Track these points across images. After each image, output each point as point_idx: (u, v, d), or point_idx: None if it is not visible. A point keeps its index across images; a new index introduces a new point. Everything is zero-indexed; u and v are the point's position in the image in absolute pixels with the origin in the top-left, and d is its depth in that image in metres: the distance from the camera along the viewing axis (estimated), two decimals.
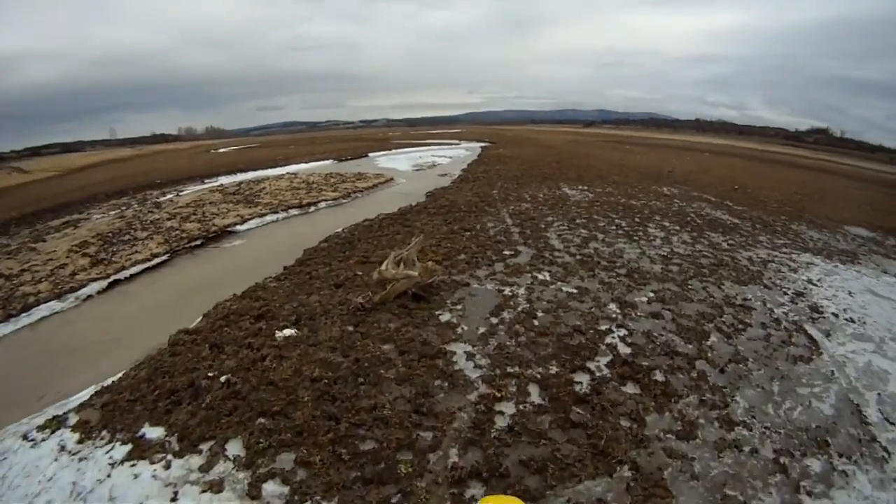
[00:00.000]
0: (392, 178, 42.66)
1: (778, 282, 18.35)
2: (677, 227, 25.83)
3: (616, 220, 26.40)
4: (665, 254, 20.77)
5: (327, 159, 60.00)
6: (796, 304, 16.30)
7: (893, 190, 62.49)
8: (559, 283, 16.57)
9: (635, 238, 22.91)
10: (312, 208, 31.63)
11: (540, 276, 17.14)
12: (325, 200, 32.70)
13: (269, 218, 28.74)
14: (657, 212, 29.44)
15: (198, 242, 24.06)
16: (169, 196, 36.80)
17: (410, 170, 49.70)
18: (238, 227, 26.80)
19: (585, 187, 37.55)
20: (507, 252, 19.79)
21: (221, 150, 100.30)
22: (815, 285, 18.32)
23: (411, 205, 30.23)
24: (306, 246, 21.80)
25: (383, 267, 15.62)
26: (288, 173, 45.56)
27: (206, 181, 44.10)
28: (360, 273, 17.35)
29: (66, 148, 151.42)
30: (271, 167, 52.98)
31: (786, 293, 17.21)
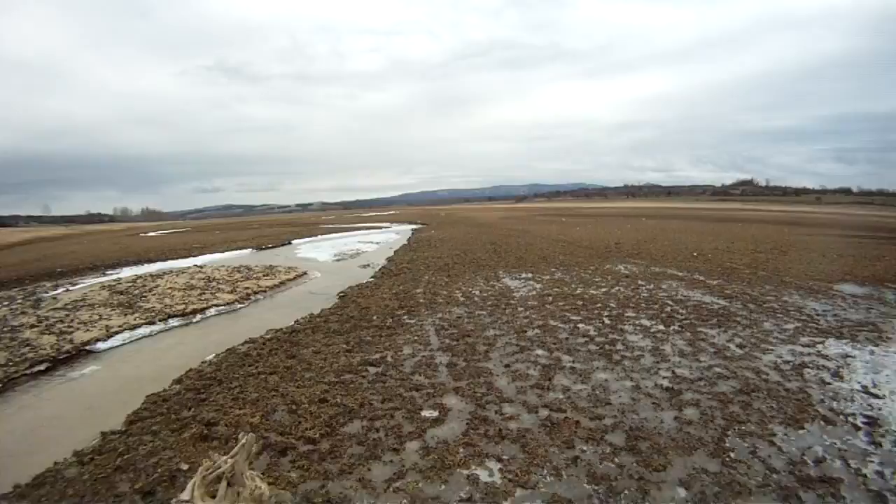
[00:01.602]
0: (305, 273, 35.81)
1: (834, 405, 12.11)
2: (662, 327, 19.18)
3: (580, 325, 19.47)
4: (666, 384, 13.66)
5: (247, 248, 54.91)
6: (881, 444, 10.25)
7: (837, 231, 61.92)
8: (520, 494, 8.94)
9: (615, 358, 15.79)
10: (198, 317, 24.39)
11: (483, 477, 9.43)
12: (217, 305, 25.78)
13: (141, 331, 21.93)
14: (626, 303, 22.94)
15: (42, 367, 17.54)
16: (59, 291, 31.44)
17: (330, 260, 44.12)
18: (99, 345, 20.07)
19: (529, 274, 31.05)
20: (427, 413, 12.15)
21: (151, 234, 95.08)
22: (877, 395, 12.65)
23: (312, 314, 22.74)
24: (151, 389, 14.36)
25: (186, 496, 7.99)
26: (195, 266, 39.87)
27: (108, 272, 39.29)
28: (186, 466, 9.83)
29: (1, 222, 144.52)
30: (183, 257, 48.11)
31: (856, 426, 11.10)
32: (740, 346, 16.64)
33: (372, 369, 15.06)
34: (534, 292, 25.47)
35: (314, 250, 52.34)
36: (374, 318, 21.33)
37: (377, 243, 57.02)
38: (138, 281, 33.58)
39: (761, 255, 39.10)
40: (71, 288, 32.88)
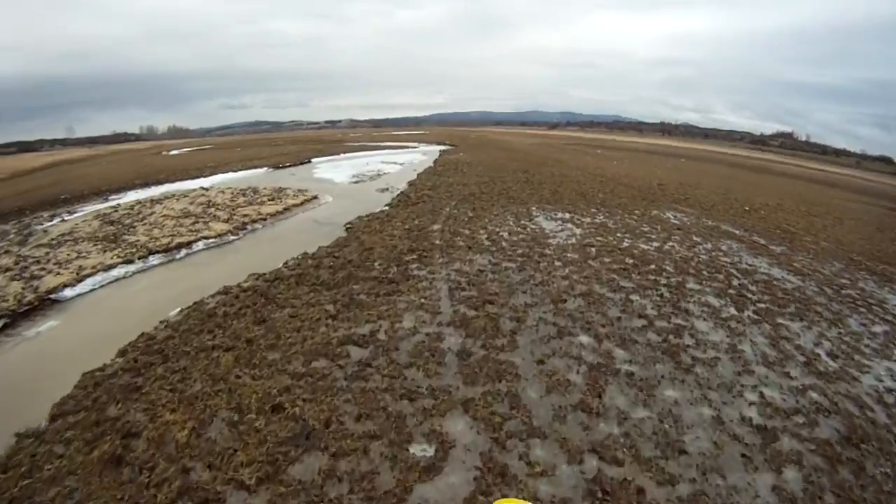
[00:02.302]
0: (316, 197, 31.48)
1: None
2: (734, 311, 14.71)
3: (633, 298, 14.92)
4: (756, 418, 9.61)
5: (264, 166, 50.58)
6: None
7: (888, 203, 55.30)
8: None
9: (684, 361, 11.43)
10: (183, 252, 20.70)
11: None
12: (207, 238, 22.10)
13: (115, 272, 18.47)
14: (685, 268, 18.27)
15: None
16: (54, 222, 27.92)
17: (347, 182, 39.58)
18: (66, 293, 16.63)
19: (567, 214, 26.19)
20: (417, 450, 8.10)
21: (173, 153, 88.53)
22: None
23: (306, 254, 18.64)
24: (93, 362, 10.99)
25: None
26: (201, 188, 35.98)
27: (111, 198, 35.53)
28: None
29: (24, 147, 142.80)
30: (194, 177, 43.79)
31: None
32: (832, 356, 12.32)
33: (355, 353, 10.80)
34: (573, 240, 20.67)
35: (333, 170, 48.01)
36: (377, 264, 16.97)
37: (401, 164, 51.99)
38: (136, 208, 29.57)
39: (817, 219, 33.84)
40: (66, 218, 29.13)
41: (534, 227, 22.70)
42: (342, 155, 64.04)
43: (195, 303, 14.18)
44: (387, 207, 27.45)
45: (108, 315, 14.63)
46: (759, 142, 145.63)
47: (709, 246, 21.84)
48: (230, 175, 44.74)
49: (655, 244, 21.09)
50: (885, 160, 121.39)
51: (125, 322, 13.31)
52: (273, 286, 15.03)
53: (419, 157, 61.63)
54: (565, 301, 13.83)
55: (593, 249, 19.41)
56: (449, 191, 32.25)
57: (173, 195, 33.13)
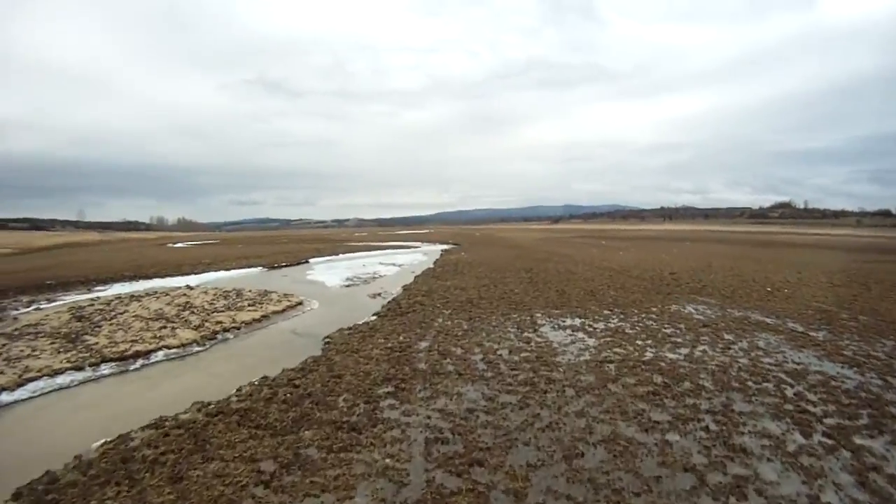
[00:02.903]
0: (301, 303, 28.76)
1: None
2: (801, 440, 11.07)
3: (671, 438, 11.23)
4: None
5: (259, 265, 50.09)
6: None
7: None
8: None
9: None
10: (139, 362, 17.84)
11: None
12: (169, 347, 19.35)
13: (60, 380, 16.04)
14: (726, 381, 14.68)
15: None
16: (29, 309, 27.33)
17: (339, 285, 37.03)
18: (1, 397, 14.63)
19: (577, 320, 22.87)
20: None
21: (178, 245, 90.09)
22: None
23: (265, 378, 15.21)
24: None
25: None
26: (186, 286, 34.40)
27: (96, 288, 34.85)
28: None
29: (35, 224, 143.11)
30: (185, 273, 42.85)
31: None
32: None
33: None
34: (586, 355, 17.08)
35: (328, 271, 46.42)
36: (342, 399, 13.47)
37: (399, 265, 50.66)
38: (112, 304, 27.83)
39: (842, 289, 30.47)
40: (42, 306, 27.83)
41: (539, 340, 19.18)
42: (341, 255, 63.86)
43: (121, 436, 11.09)
44: (374, 317, 24.19)
45: (27, 436, 12.11)
46: (759, 215, 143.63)
47: (744, 345, 18.24)
48: (222, 274, 43.39)
49: (684, 350, 17.46)
50: (883, 213, 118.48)
51: (39, 449, 11.01)
52: (211, 423, 11.57)
53: (420, 257, 60.27)
54: (582, 455, 10.06)
55: (612, 367, 15.77)
56: (445, 296, 29.03)
57: (156, 292, 31.67)
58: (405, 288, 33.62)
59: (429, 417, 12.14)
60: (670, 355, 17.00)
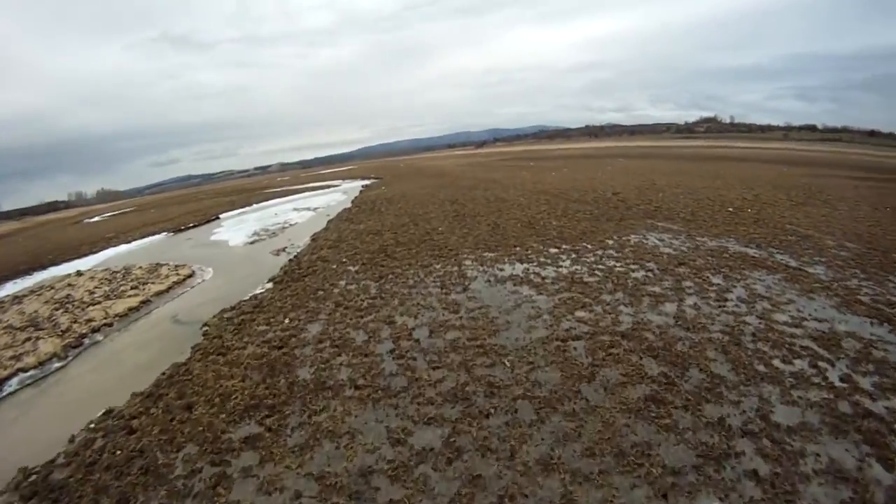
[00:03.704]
0: (192, 274, 24.52)
1: None
2: (880, 469, 5.23)
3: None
4: None
5: (165, 231, 44.54)
6: None
7: (842, 172, 49.47)
8: None
9: None
10: None
11: None
12: (25, 370, 15.24)
13: None
14: (751, 366, 10.04)
15: None
16: None
17: (243, 243, 32.42)
18: None
19: (519, 265, 17.94)
20: None
21: (94, 220, 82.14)
22: None
23: (108, 415, 10.87)
24: None
25: None
26: (77, 272, 29.72)
27: None
28: None
29: None
30: (84, 254, 38.13)
31: None
32: None
33: None
34: (540, 328, 12.04)
35: (236, 227, 41.72)
36: (181, 458, 8.76)
37: (315, 209, 45.50)
38: None
39: (807, 208, 26.96)
40: None
41: (471, 305, 13.87)
42: (255, 205, 58.14)
43: None
44: (268, 285, 19.28)
45: None
46: (685, 130, 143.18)
47: (741, 292, 13.94)
48: (122, 248, 39.05)
49: (670, 308, 12.76)
50: (809, 128, 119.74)
51: None
52: None
53: (338, 197, 54.87)
54: None
55: (580, 348, 10.80)
56: (354, 246, 23.41)
57: (42, 287, 27.45)
58: (314, 238, 28.17)
59: (296, 490, 6.55)
60: (655, 318, 12.09)
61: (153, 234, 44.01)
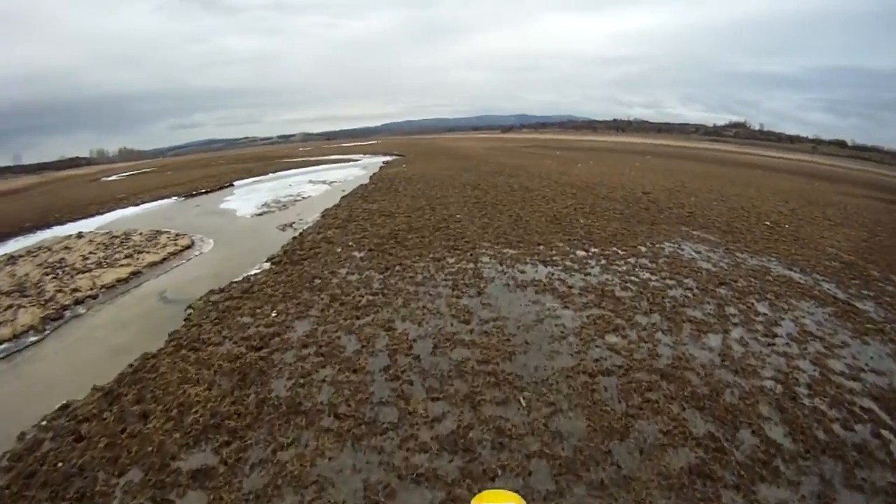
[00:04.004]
0: (192, 245, 23.01)
1: None
2: None
3: None
4: None
5: (175, 195, 42.61)
6: None
7: (875, 192, 46.60)
8: None
9: None
10: None
11: None
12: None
13: None
14: (828, 453, 7.86)
15: None
16: None
17: (251, 214, 30.76)
18: None
19: (542, 267, 16.00)
20: None
21: (111, 178, 79.36)
22: None
23: (63, 412, 9.31)
24: None
25: None
26: (78, 233, 28.29)
27: None
28: None
29: None
30: (92, 214, 36.28)
31: None
32: None
33: None
34: (564, 354, 10.37)
35: (247, 196, 39.62)
36: (121, 488, 7.13)
37: (331, 183, 43.35)
38: None
39: (845, 230, 24.76)
40: None
41: (485, 315, 12.03)
42: (271, 174, 55.65)
43: None
44: (266, 265, 17.73)
45: None
46: (714, 133, 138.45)
47: (791, 327, 12.07)
48: (129, 211, 37.65)
49: (713, 341, 11.05)
50: (838, 143, 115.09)
51: None
52: None
53: (357, 172, 52.26)
54: None
55: (611, 387, 9.16)
56: (364, 228, 21.62)
57: (40, 248, 26.23)
58: (324, 214, 26.35)
59: None
60: (698, 354, 10.24)
61: (164, 197, 42.66)
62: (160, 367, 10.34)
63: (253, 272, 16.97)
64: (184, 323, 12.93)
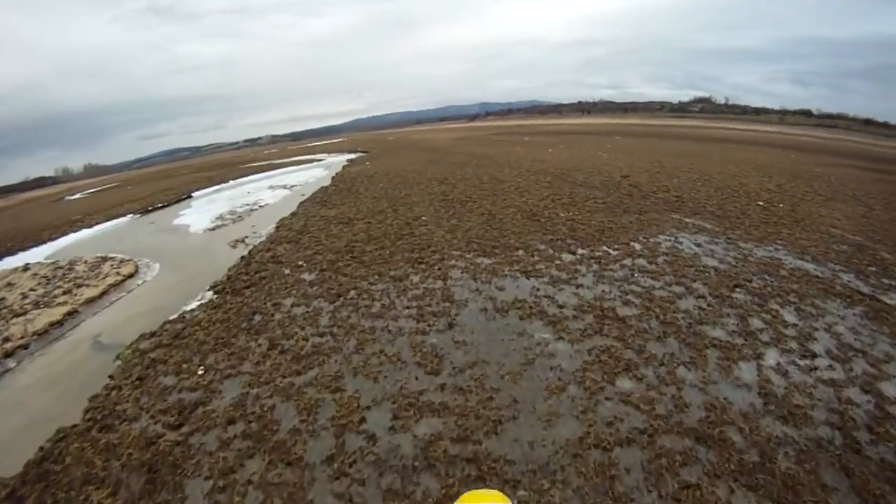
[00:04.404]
0: (134, 274, 20.51)
1: None
2: None
3: None
4: None
5: (131, 212, 39.85)
6: None
7: (849, 161, 44.87)
8: None
9: None
10: None
11: None
12: None
13: None
14: None
15: None
16: None
17: (204, 228, 28.56)
18: None
19: (525, 284, 13.28)
20: None
21: (74, 197, 75.86)
22: None
23: None
24: None
25: None
26: (23, 266, 25.84)
27: None
28: None
29: None
30: (44, 240, 33.46)
31: None
32: None
33: None
34: (563, 406, 8.10)
35: (204, 207, 37.48)
36: None
37: (290, 188, 41.02)
38: None
39: (841, 206, 22.79)
40: None
41: (459, 357, 9.53)
42: (232, 182, 53.05)
43: None
44: (208, 296, 15.20)
45: None
46: (679, 109, 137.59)
47: (827, 339, 9.87)
48: (82, 234, 35.08)
49: (747, 371, 8.76)
50: (804, 113, 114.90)
51: None
52: None
53: (319, 172, 49.74)
54: None
55: (637, 474, 6.66)
56: (318, 241, 18.86)
57: None
58: (278, 226, 23.87)
59: None
60: (734, 396, 8.01)
61: (120, 215, 39.96)
62: (66, 458, 7.72)
63: (191, 307, 14.26)
64: (105, 385, 10.17)
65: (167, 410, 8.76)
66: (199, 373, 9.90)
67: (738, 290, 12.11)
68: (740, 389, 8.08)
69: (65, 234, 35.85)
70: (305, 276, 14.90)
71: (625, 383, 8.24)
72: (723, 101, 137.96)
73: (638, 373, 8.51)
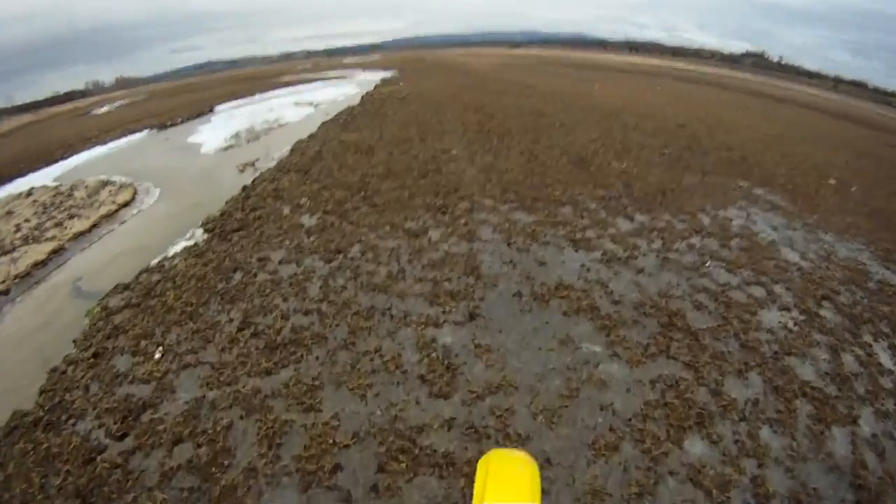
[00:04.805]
0: (130, 201, 19.70)
1: None
2: None
3: None
4: None
5: (149, 127, 37.26)
6: None
7: None
8: None
9: None
10: None
11: None
12: None
13: None
14: None
15: None
16: None
17: (216, 148, 27.23)
18: None
19: (572, 257, 10.83)
20: None
21: (101, 111, 69.65)
22: None
23: None
24: None
25: None
26: (29, 189, 24.81)
27: None
28: None
29: None
30: (57, 159, 31.72)
31: None
32: None
33: None
34: (617, 474, 5.95)
35: (223, 123, 35.37)
36: None
37: (316, 105, 38.33)
38: None
39: None
40: None
41: (479, 371, 7.56)
42: (257, 96, 49.47)
43: None
44: (197, 235, 13.49)
45: None
46: (730, 60, 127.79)
47: None
48: (94, 152, 33.29)
49: (840, 444, 6.68)
50: (859, 84, 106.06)
51: None
52: None
53: (349, 90, 45.96)
54: None
55: None
56: (330, 173, 16.64)
57: None
58: (293, 149, 21.60)
59: None
60: (822, 481, 6.02)
61: (136, 131, 38.19)
62: (9, 462, 6.71)
63: (175, 250, 12.69)
64: (65, 356, 8.92)
65: (113, 410, 7.12)
66: (157, 357, 8.11)
67: (825, 302, 9.68)
68: (832, 475, 5.87)
69: (77, 152, 34.44)
70: (305, 219, 12.62)
71: (695, 447, 6.03)
72: (776, 59, 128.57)
73: (713, 431, 6.25)
